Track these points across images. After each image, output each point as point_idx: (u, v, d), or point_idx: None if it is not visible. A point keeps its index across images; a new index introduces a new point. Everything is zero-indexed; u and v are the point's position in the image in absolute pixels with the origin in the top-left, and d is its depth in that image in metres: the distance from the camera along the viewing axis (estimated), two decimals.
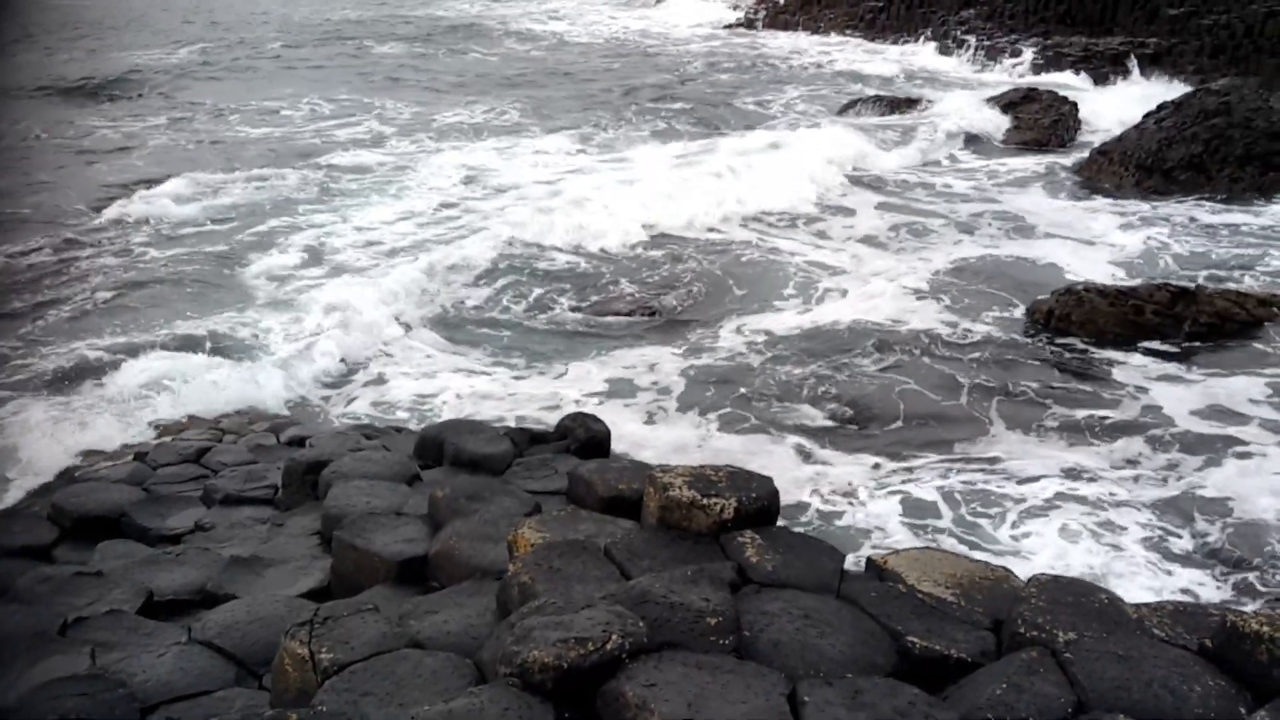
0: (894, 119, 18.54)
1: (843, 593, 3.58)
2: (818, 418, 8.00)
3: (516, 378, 8.94)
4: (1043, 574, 3.72)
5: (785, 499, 4.15)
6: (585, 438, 5.89)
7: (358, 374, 9.00)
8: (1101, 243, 12.21)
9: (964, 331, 9.60)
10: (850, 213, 13.42)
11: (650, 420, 8.05)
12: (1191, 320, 9.23)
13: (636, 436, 7.57)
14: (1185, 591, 5.72)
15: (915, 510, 6.63)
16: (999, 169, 15.82)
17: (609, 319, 10.29)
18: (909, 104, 19.45)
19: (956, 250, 11.95)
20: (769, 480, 4.09)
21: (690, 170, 14.97)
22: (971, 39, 24.75)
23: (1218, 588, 5.81)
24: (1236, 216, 12.99)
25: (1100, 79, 21.28)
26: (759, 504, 3.93)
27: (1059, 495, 6.74)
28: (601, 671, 2.88)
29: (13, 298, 10.51)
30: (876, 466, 7.23)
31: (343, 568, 4.35)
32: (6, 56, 27.85)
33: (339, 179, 15.09)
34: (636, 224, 12.67)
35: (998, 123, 17.83)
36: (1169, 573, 5.94)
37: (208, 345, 9.06)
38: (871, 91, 20.92)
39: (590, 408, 7.86)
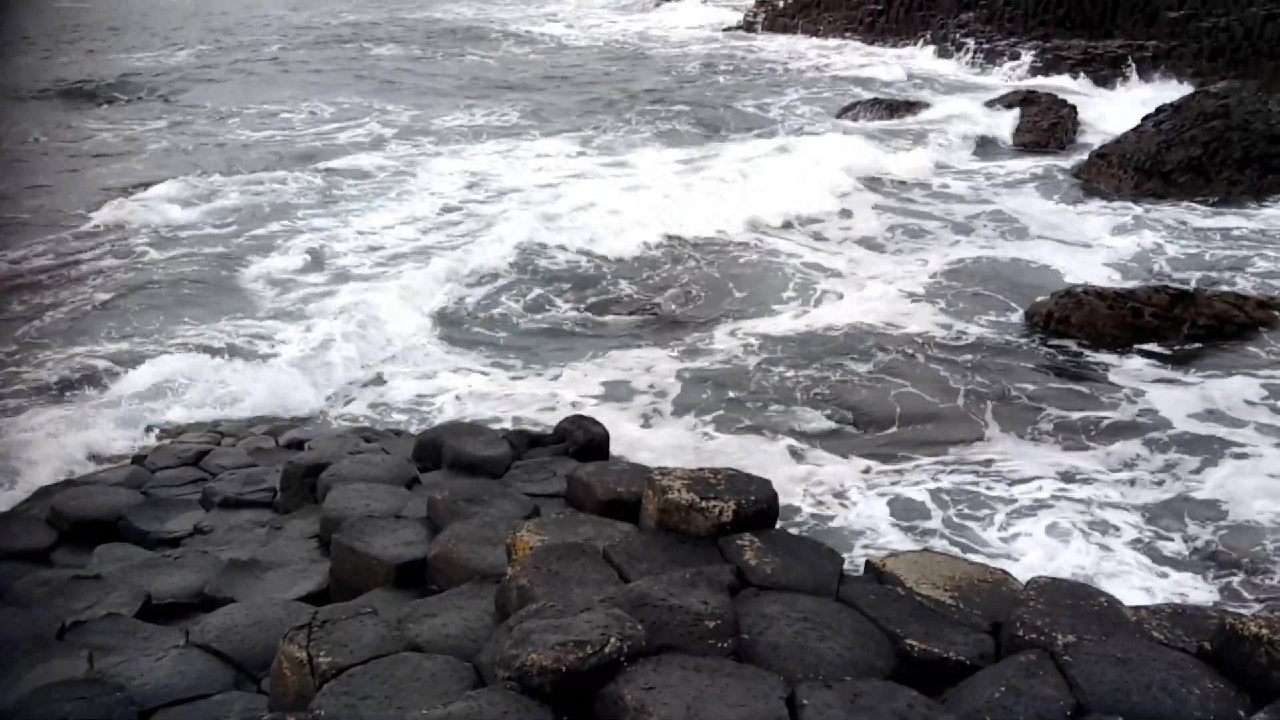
0: (897, 123, 18.51)
1: (842, 595, 3.58)
2: (814, 420, 8.00)
3: (515, 378, 8.95)
4: (1041, 576, 3.72)
5: (781, 501, 4.15)
6: (584, 440, 5.89)
7: (358, 376, 9.00)
8: (1099, 245, 12.22)
9: (961, 334, 9.60)
10: (850, 215, 13.41)
11: (647, 423, 8.05)
12: (1190, 323, 9.23)
13: (634, 439, 7.58)
14: (1179, 594, 5.72)
15: (911, 512, 6.63)
16: (997, 171, 15.84)
17: (607, 320, 10.30)
18: (908, 107, 19.46)
19: (954, 252, 11.96)
20: (768, 483, 4.09)
21: (694, 176, 14.95)
22: (971, 42, 24.77)
23: (1211, 590, 5.81)
24: (1232, 220, 13.00)
25: (1099, 82, 21.30)
26: (758, 507, 3.93)
27: (1054, 497, 6.75)
28: (600, 675, 2.87)
29: (13, 301, 10.51)
30: (873, 469, 7.23)
31: (341, 571, 4.35)
32: (5, 59, 27.85)
33: (340, 183, 15.09)
34: (638, 228, 12.62)
35: (1009, 127, 17.73)
36: (1163, 574, 5.94)
37: (221, 350, 9.07)
38: (870, 95, 20.93)
39: (588, 409, 7.86)
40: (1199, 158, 14.20)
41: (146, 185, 14.62)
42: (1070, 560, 6.00)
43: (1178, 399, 8.14)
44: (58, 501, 5.44)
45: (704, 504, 3.86)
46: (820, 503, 6.75)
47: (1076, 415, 7.95)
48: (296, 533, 5.05)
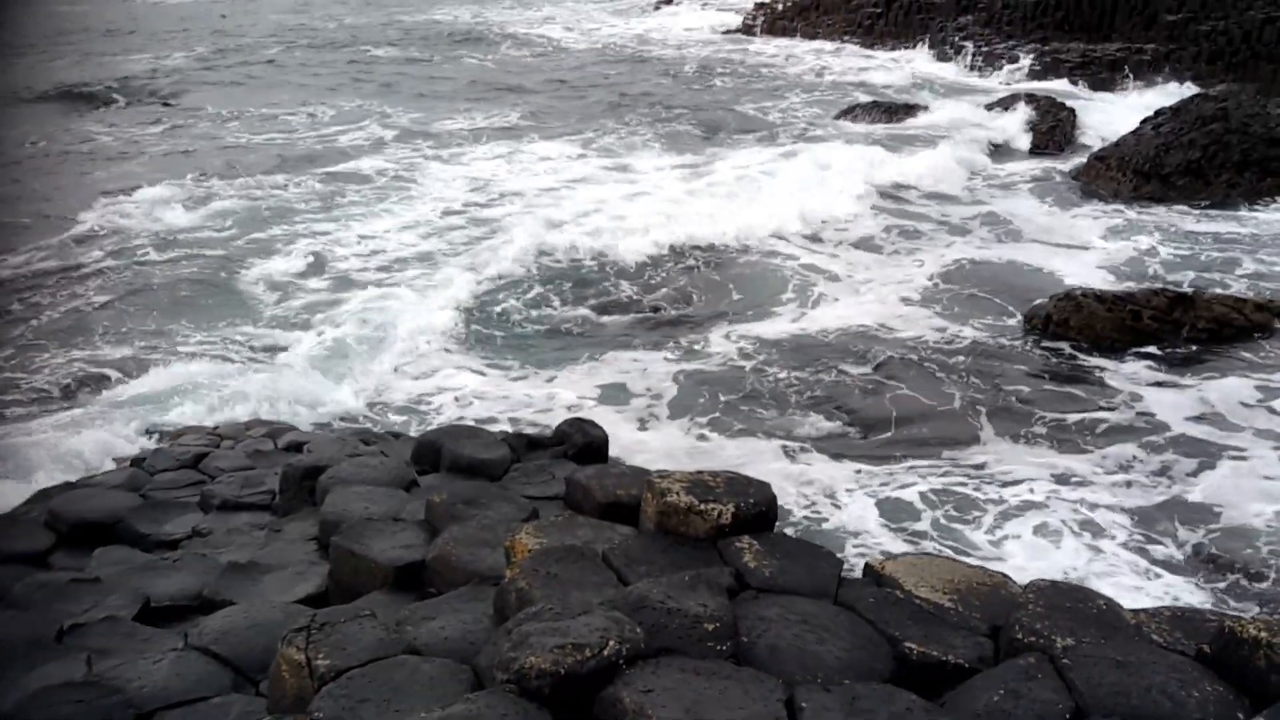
0: (899, 127, 18.51)
1: (840, 598, 3.58)
2: (809, 423, 8.00)
3: (515, 379, 8.96)
4: (1041, 579, 3.72)
5: (779, 503, 4.15)
6: (583, 443, 5.89)
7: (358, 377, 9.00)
8: (1097, 248, 12.22)
9: (959, 337, 9.60)
10: (853, 219, 13.38)
11: (645, 425, 8.06)
12: (1189, 326, 9.23)
13: (632, 441, 7.58)
14: (1173, 597, 5.71)
15: (903, 514, 6.64)
16: (996, 174, 15.84)
17: (606, 322, 10.31)
18: (907, 110, 19.48)
19: (951, 255, 11.96)
20: (767, 486, 4.09)
21: (696, 181, 14.94)
22: (969, 45, 24.78)
23: (1206, 592, 5.81)
24: (1230, 223, 13.00)
25: (1098, 85, 21.33)
26: (757, 509, 3.93)
27: (1049, 500, 6.74)
28: (599, 678, 2.87)
29: (13, 304, 10.51)
30: (867, 472, 7.22)
31: (340, 573, 4.34)
32: (4, 62, 27.86)
33: (341, 187, 15.11)
34: (639, 233, 12.56)
35: (1017, 129, 17.66)
36: (1157, 576, 5.94)
37: (222, 353, 9.08)
38: (869, 98, 20.95)
39: (586, 411, 7.87)
40: (1198, 161, 14.22)
41: (146, 188, 14.63)
42: (1062, 562, 6.01)
43: (1175, 402, 8.14)
44: (56, 504, 5.44)
45: (703, 507, 3.86)
46: (813, 504, 6.75)
47: (1073, 418, 7.95)
48: (295, 535, 5.05)
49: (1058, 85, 21.41)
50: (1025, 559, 6.02)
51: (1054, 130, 17.60)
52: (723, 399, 8.42)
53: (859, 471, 7.21)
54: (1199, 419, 7.87)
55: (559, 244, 12.15)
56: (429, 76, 25.65)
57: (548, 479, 5.38)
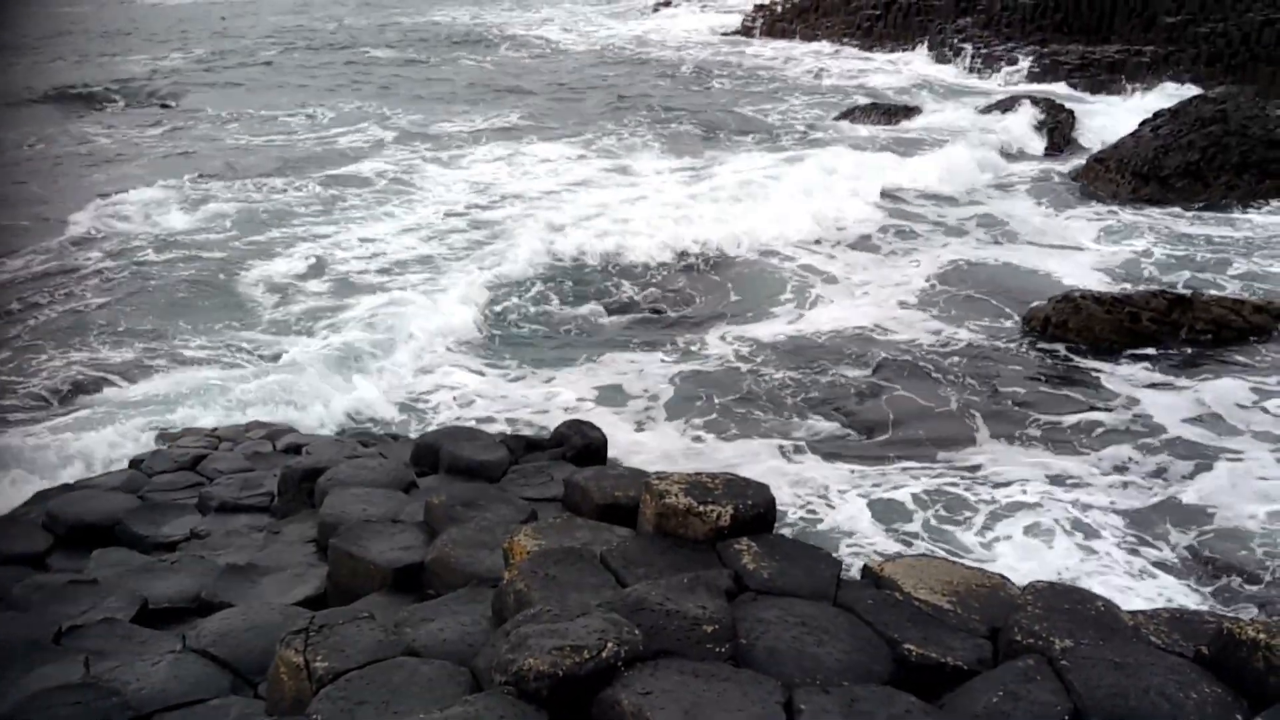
0: (899, 130, 18.51)
1: (839, 600, 3.58)
2: (806, 424, 8.00)
3: (513, 379, 8.96)
4: (1039, 581, 3.72)
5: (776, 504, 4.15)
6: (581, 445, 5.89)
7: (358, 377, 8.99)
8: (1094, 250, 12.23)
9: (956, 339, 9.60)
10: (855, 222, 13.37)
11: (642, 427, 8.05)
12: (1188, 327, 9.24)
13: (630, 443, 7.58)
14: (1168, 598, 5.71)
15: (899, 515, 6.64)
16: (1000, 176, 15.82)
17: (604, 323, 10.32)
18: (906, 112, 19.49)
19: (948, 256, 11.95)
20: (765, 487, 4.08)
21: (697, 185, 14.90)
22: (968, 47, 24.79)
23: (1201, 593, 5.81)
24: (1228, 225, 13.01)
25: (1097, 87, 21.34)
26: (755, 511, 3.93)
27: (1043, 501, 6.74)
28: (597, 680, 2.87)
29: (11, 306, 10.50)
30: (864, 473, 7.22)
31: (339, 575, 4.34)
32: (3, 63, 27.85)
33: (341, 189, 15.10)
34: (639, 235, 12.53)
35: (1035, 133, 17.56)
36: (1151, 577, 5.94)
37: (233, 356, 9.07)
38: (868, 100, 20.96)
39: (585, 413, 7.87)
40: (1196, 163, 14.23)
41: (145, 190, 14.63)
42: (1054, 562, 6.01)
43: (1172, 403, 8.14)
44: (54, 506, 5.44)
45: (701, 508, 3.86)
46: (807, 505, 6.75)
47: (1069, 419, 7.95)
48: (294, 537, 5.05)
49: (1057, 87, 21.43)
50: (1016, 559, 6.02)
51: (1053, 132, 17.62)
52: (719, 400, 8.43)
53: (853, 472, 7.21)
54: (1196, 421, 7.87)
55: (562, 247, 12.13)
56: (428, 78, 25.66)
57: (546, 480, 5.38)
